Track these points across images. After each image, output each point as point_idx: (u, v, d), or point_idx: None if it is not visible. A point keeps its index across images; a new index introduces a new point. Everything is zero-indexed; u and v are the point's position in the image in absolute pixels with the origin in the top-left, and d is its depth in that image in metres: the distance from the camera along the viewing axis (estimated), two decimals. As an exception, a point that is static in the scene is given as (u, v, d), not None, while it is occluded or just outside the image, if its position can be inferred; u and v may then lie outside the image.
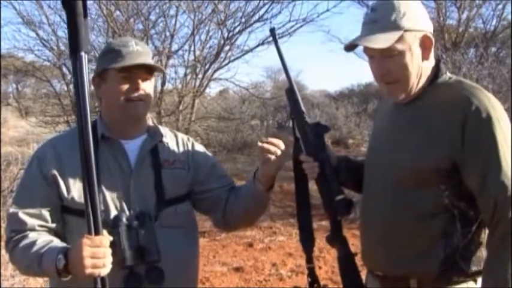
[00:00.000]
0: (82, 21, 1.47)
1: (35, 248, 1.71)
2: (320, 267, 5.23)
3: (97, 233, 1.55)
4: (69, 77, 8.84)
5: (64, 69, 8.79)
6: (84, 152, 1.50)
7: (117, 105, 1.85)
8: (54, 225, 1.82)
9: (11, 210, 1.82)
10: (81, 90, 1.49)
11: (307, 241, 1.96)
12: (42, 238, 1.75)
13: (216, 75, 9.07)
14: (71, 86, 8.82)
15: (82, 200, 1.74)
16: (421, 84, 1.72)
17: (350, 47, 1.77)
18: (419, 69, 1.69)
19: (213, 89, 15.97)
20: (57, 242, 1.74)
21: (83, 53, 1.48)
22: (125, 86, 1.84)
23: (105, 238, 1.57)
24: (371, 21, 1.70)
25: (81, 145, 1.50)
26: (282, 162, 1.88)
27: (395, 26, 1.65)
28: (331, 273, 5.04)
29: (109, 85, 1.85)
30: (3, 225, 5.25)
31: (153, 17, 8.27)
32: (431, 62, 1.74)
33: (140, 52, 1.87)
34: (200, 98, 9.35)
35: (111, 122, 1.90)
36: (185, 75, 8.49)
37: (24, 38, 8.55)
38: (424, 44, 1.68)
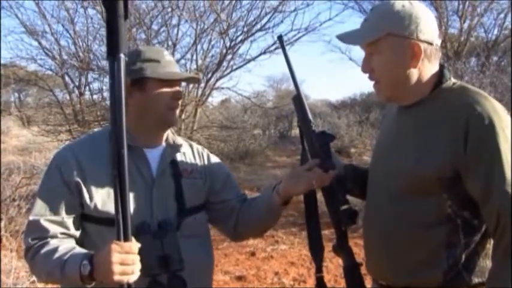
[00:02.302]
0: (122, 23, 1.44)
1: (57, 255, 1.67)
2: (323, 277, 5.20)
3: (126, 239, 1.52)
4: (71, 86, 8.88)
5: (66, 78, 8.82)
6: (117, 157, 1.46)
7: (157, 113, 1.86)
8: (75, 232, 1.79)
9: (31, 218, 1.77)
10: (118, 93, 1.45)
11: (316, 250, 1.95)
12: (64, 245, 1.71)
13: (218, 84, 9.08)
14: (73, 95, 8.86)
15: (105, 208, 1.76)
16: (420, 89, 1.71)
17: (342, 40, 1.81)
18: (403, 75, 1.69)
19: (215, 98, 16.01)
20: (80, 249, 1.71)
21: (122, 55, 1.45)
22: (168, 95, 1.86)
23: (135, 245, 1.55)
24: (364, 19, 1.75)
25: (115, 150, 1.46)
26: (309, 188, 1.88)
27: (378, 28, 1.67)
28: (333, 282, 5.02)
29: (149, 93, 1.84)
30: (4, 234, 5.26)
31: (155, 27, 8.30)
32: (432, 68, 1.72)
33: (173, 62, 1.92)
34: (202, 107, 9.36)
35: (137, 131, 1.87)
36: (187, 84, 8.49)
37: (27, 47, 8.57)
38: (411, 51, 1.67)
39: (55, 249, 1.69)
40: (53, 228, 1.75)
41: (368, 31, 1.70)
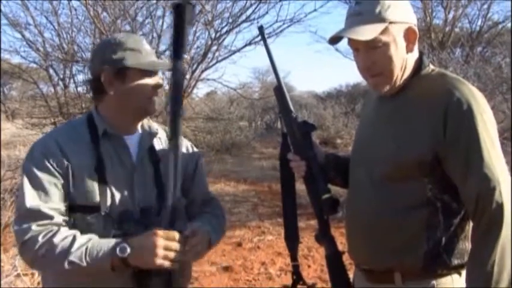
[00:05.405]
0: (189, 29, 1.62)
1: (78, 241, 1.64)
2: (309, 266, 5.25)
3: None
4: (56, 78, 8.80)
5: (51, 70, 8.74)
6: (175, 148, 1.60)
7: (138, 103, 1.84)
8: (70, 221, 1.75)
9: (29, 205, 1.68)
10: (177, 94, 1.66)
11: (291, 239, 1.97)
12: (78, 233, 1.68)
13: (203, 75, 9.05)
14: (58, 88, 8.79)
15: (90, 196, 1.75)
16: (405, 76, 1.73)
17: (334, 40, 1.74)
18: (403, 61, 1.70)
19: (200, 90, 16.03)
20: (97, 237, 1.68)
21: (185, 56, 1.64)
22: (149, 84, 1.85)
23: (179, 235, 1.59)
24: (355, 13, 1.69)
25: (173, 142, 1.61)
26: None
27: (380, 18, 1.65)
28: (320, 272, 5.07)
29: (130, 82, 1.82)
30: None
31: (140, 18, 8.23)
32: (415, 54, 1.75)
33: (152, 51, 1.91)
34: (188, 99, 9.33)
35: (117, 119, 1.86)
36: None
37: (10, 39, 8.48)
38: (409, 36, 1.69)
39: (73, 237, 1.65)
40: (56, 216, 1.70)
41: (372, 23, 1.65)
